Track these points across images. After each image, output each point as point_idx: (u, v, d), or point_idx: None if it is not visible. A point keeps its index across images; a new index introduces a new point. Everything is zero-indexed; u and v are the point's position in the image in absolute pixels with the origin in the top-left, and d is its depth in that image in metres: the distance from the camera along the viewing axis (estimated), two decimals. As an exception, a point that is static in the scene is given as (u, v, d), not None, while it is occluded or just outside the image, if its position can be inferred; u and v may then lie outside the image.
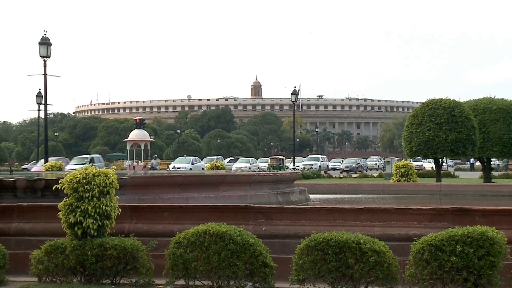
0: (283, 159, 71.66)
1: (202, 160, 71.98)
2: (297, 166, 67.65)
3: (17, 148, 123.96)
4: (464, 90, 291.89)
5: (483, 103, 37.27)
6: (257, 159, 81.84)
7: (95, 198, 9.25)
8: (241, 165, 67.98)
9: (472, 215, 10.11)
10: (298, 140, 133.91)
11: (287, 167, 63.88)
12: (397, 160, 38.61)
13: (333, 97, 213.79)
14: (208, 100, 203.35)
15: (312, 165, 72.11)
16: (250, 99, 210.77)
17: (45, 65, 35.42)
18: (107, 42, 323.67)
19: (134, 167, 55.21)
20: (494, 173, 47.03)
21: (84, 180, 9.28)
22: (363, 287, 8.49)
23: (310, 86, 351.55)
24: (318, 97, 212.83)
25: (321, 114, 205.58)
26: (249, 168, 64.71)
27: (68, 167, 47.91)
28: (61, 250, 9.21)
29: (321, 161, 76.43)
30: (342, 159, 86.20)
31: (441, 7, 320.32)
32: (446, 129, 32.54)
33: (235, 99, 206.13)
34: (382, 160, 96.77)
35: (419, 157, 36.11)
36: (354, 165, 75.16)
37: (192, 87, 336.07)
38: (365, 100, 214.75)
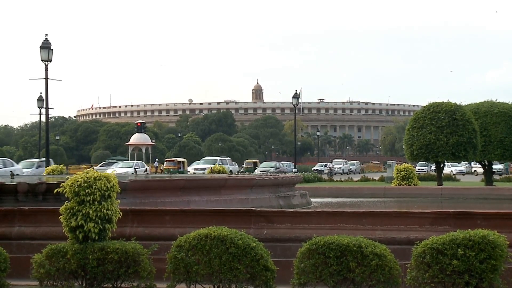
0: (183, 162, 63.58)
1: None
2: (187, 171, 59.06)
3: (19, 152, 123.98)
4: (465, 94, 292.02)
5: (484, 106, 37.32)
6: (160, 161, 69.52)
7: (96, 202, 9.25)
8: (121, 170, 51.86)
9: (474, 218, 10.11)
10: (299, 143, 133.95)
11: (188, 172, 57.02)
12: (398, 164, 38.56)
13: (334, 100, 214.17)
14: (209, 103, 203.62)
15: (204, 169, 56.96)
16: (251, 103, 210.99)
17: (46, 69, 35.47)
18: (109, 46, 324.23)
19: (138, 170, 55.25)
20: (495, 176, 47.02)
21: (86, 184, 9.28)
22: (365, 291, 8.48)
23: (311, 90, 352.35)
24: (319, 100, 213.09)
25: (322, 117, 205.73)
26: (132, 173, 50.35)
27: None
28: (62, 254, 9.21)
29: (219, 165, 64.58)
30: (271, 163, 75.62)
31: (442, 10, 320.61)
32: (447, 132, 32.54)
33: (236, 103, 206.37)
34: (348, 163, 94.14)
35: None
36: (272, 169, 64.42)
37: (193, 91, 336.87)
38: (366, 103, 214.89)
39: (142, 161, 67.10)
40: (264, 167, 67.03)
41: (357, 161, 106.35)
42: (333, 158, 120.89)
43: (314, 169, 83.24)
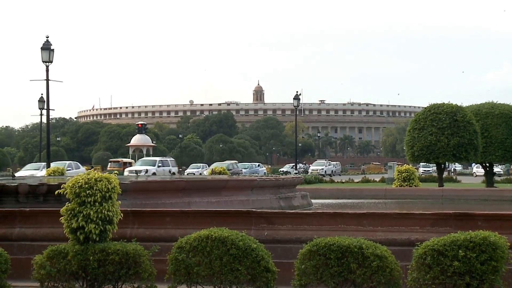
0: (130, 162, 56.89)
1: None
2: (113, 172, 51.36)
3: (19, 153, 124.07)
4: (466, 95, 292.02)
5: (485, 107, 37.31)
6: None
7: (97, 203, 9.25)
8: (29, 172, 45.43)
9: (475, 220, 10.11)
10: (300, 145, 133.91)
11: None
12: (399, 165, 38.51)
13: (335, 101, 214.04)
14: (210, 105, 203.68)
15: (140, 171, 48.54)
16: (252, 104, 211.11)
17: (47, 70, 35.52)
18: (110, 47, 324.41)
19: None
20: (496, 178, 47.00)
21: (86, 185, 9.28)
22: (366, 292, 8.47)
23: (312, 91, 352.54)
24: (320, 101, 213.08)
25: (323, 118, 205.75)
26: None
27: None
28: (63, 255, 9.20)
29: (158, 166, 52.83)
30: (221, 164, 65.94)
31: (442, 12, 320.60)
32: (448, 133, 32.53)
33: (237, 104, 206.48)
34: (331, 164, 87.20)
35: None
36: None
37: (194, 92, 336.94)
38: (367, 104, 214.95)
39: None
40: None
41: (338, 162, 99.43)
42: (315, 159, 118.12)
43: (280, 170, 78.98)
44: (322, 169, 79.47)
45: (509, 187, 34.28)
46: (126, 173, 49.23)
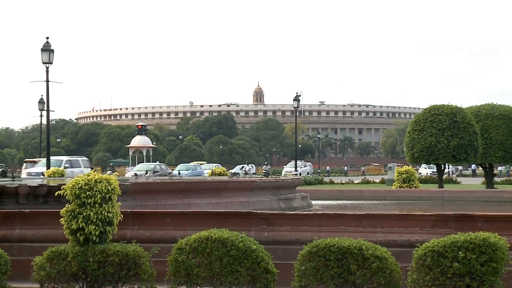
0: None
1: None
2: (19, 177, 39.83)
3: (19, 154, 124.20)
4: (466, 96, 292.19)
5: (485, 109, 37.31)
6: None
7: (97, 204, 9.25)
8: None
9: (475, 221, 10.11)
10: (300, 146, 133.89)
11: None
12: (399, 166, 38.48)
13: (335, 103, 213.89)
14: (210, 106, 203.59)
15: (40, 173, 39.87)
16: (252, 105, 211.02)
17: (47, 72, 35.52)
18: (109, 48, 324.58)
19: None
20: (496, 179, 47.01)
21: (86, 186, 9.28)
22: (366, 293, 8.47)
23: (312, 92, 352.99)
24: (320, 103, 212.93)
25: (323, 120, 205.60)
26: None
27: None
28: (63, 256, 9.20)
29: (64, 167, 43.28)
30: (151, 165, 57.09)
31: (442, 13, 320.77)
32: (448, 135, 32.56)
33: (237, 105, 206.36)
34: (306, 166, 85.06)
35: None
36: (148, 173, 49.72)
37: (194, 93, 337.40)
38: (367, 106, 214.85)
39: (143, 163, 66.91)
40: (139, 170, 52.46)
41: (309, 163, 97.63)
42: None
43: (230, 171, 76.96)
44: (293, 170, 74.01)
45: (509, 188, 34.29)
46: (23, 175, 43.08)
